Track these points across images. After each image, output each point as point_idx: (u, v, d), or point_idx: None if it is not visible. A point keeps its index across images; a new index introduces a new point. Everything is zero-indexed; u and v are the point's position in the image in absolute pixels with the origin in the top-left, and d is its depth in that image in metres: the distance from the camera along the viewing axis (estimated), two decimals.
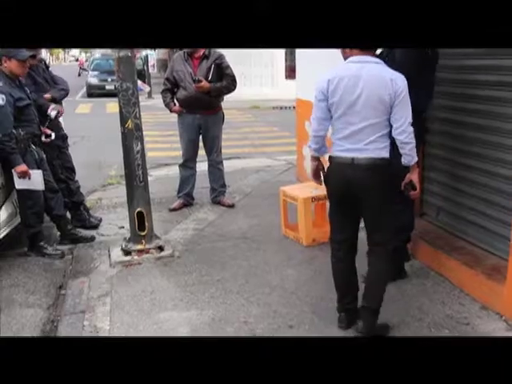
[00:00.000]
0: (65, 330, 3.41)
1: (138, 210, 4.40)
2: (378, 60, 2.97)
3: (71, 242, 4.86)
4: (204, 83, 5.26)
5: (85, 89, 22.75)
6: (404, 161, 3.01)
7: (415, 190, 3.16)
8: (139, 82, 5.12)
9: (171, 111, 5.64)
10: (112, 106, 14.47)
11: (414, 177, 3.10)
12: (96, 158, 8.67)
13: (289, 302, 3.64)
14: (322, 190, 3.98)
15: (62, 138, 5.04)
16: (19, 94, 4.27)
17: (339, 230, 3.16)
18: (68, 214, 5.05)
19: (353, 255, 3.19)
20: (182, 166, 5.77)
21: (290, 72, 19.44)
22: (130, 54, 4.19)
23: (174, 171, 6.59)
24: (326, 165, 3.18)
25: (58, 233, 4.95)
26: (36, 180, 4.32)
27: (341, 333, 3.20)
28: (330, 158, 3.09)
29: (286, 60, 20.35)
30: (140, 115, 4.33)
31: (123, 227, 5.13)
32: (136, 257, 4.40)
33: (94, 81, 22.06)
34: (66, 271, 4.36)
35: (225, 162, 5.97)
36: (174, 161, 7.76)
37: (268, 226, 5.13)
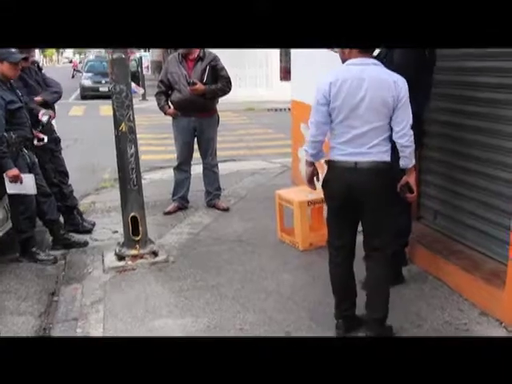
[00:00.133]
0: None
1: (132, 214, 4.34)
2: (377, 62, 2.93)
3: (64, 247, 4.79)
4: (199, 85, 5.20)
5: (78, 91, 22.63)
6: (403, 163, 2.99)
7: (412, 193, 3.14)
8: (133, 85, 5.07)
9: (166, 114, 5.58)
10: (105, 108, 14.38)
11: (411, 179, 3.09)
12: (89, 160, 8.59)
13: (285, 308, 3.58)
14: (318, 194, 3.94)
15: (55, 141, 4.97)
16: (11, 97, 4.20)
17: (338, 236, 3.11)
18: (61, 219, 4.97)
19: (351, 261, 3.14)
20: (176, 168, 5.71)
21: (285, 73, 19.41)
22: (123, 56, 4.13)
23: (169, 174, 6.54)
24: (321, 169, 3.13)
25: (51, 238, 4.88)
26: (28, 184, 4.24)
27: None
28: (330, 162, 3.02)
29: (280, 61, 20.34)
30: (134, 118, 4.27)
31: (117, 232, 5.06)
32: (130, 262, 4.33)
33: (87, 83, 21.94)
34: (59, 277, 4.29)
35: (220, 165, 5.91)
36: (168, 164, 7.69)
37: (264, 229, 5.07)
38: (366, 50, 2.90)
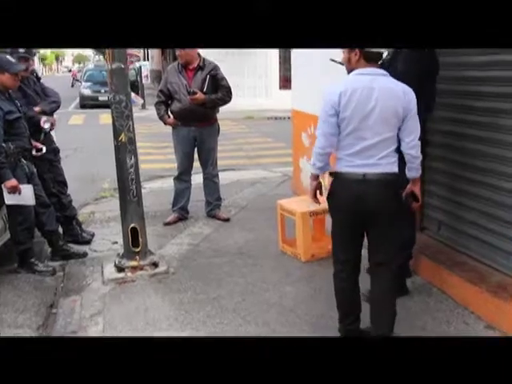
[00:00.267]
0: None
1: (132, 225, 4.28)
2: (386, 73, 2.89)
3: (63, 258, 4.72)
4: (199, 95, 5.16)
5: (78, 100, 22.63)
6: (410, 174, 3.00)
7: (417, 202, 3.14)
8: (132, 95, 5.03)
9: (166, 124, 5.53)
10: (105, 117, 14.36)
11: (416, 188, 3.09)
12: (89, 170, 8.55)
13: (288, 321, 3.52)
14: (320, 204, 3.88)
15: (54, 151, 4.93)
16: (9, 107, 4.15)
17: (343, 250, 3.05)
18: (60, 229, 4.92)
19: (356, 275, 3.09)
20: (176, 179, 5.66)
21: (284, 82, 19.46)
22: (122, 66, 4.09)
23: (169, 183, 6.49)
24: (324, 180, 3.08)
25: (50, 248, 4.82)
26: (26, 195, 4.19)
27: None
28: (336, 174, 2.96)
29: (280, 70, 20.38)
30: (133, 128, 4.22)
31: (116, 242, 5.00)
32: (130, 274, 4.27)
33: (87, 92, 21.97)
34: (58, 289, 4.23)
35: (220, 174, 5.86)
36: (168, 173, 7.66)
37: (265, 240, 5.02)
38: (373, 60, 2.85)
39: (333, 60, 3.66)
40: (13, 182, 4.07)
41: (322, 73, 5.41)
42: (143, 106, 19.15)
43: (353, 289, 3.09)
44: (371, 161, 2.84)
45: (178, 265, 4.53)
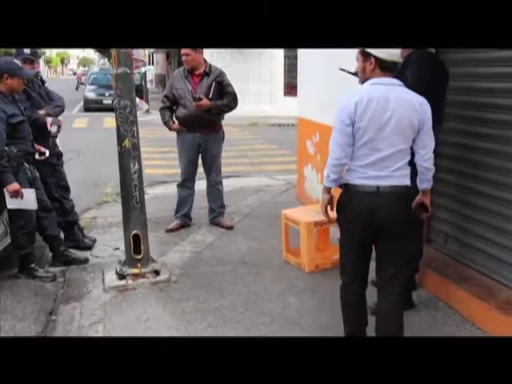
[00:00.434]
0: None
1: (134, 232, 4.22)
2: (401, 83, 2.82)
3: (64, 263, 4.67)
4: (204, 101, 5.11)
5: (82, 103, 22.63)
6: (423, 186, 2.98)
7: (427, 213, 3.11)
8: (137, 100, 4.97)
9: (170, 129, 5.47)
10: (109, 120, 14.35)
11: (426, 199, 3.06)
12: (92, 174, 8.50)
13: (291, 334, 3.45)
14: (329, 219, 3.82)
15: (57, 155, 4.88)
16: (13, 111, 4.11)
17: (353, 263, 2.97)
18: (61, 235, 4.86)
19: (364, 288, 3.02)
20: (180, 185, 5.60)
21: (289, 89, 19.47)
22: (128, 71, 4.04)
23: (172, 189, 6.44)
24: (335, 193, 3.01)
25: (51, 254, 4.76)
26: (28, 199, 4.14)
27: None
28: (348, 185, 2.88)
29: (284, 77, 20.37)
30: (138, 134, 4.16)
31: (118, 248, 4.95)
32: (131, 281, 4.21)
33: (91, 95, 21.93)
34: (58, 295, 4.17)
35: (224, 181, 5.80)
36: (171, 178, 7.62)
37: (268, 249, 4.95)
38: (388, 69, 2.79)
39: (342, 69, 3.61)
40: (15, 186, 4.02)
41: (329, 81, 5.38)
42: (147, 110, 19.13)
43: (360, 302, 3.03)
44: (384, 172, 2.77)
45: (179, 273, 4.47)
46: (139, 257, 4.26)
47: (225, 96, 5.29)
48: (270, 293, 4.07)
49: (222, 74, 5.32)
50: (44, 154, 4.49)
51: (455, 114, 3.92)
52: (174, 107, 5.39)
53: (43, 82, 4.93)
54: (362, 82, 2.93)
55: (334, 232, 4.50)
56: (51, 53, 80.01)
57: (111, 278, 4.28)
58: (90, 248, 5.05)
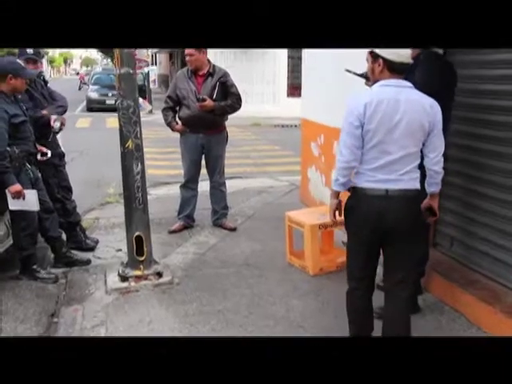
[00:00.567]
0: None
1: (137, 233, 4.18)
2: (411, 84, 2.78)
3: (66, 265, 4.63)
4: (208, 102, 5.07)
5: (85, 103, 22.62)
6: (432, 190, 2.95)
7: (435, 216, 3.08)
8: (140, 100, 4.94)
9: (173, 130, 5.42)
10: (112, 120, 14.34)
11: (434, 203, 3.03)
12: (94, 174, 8.47)
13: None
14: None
15: (59, 156, 4.85)
16: (15, 111, 4.07)
17: (360, 267, 2.93)
18: (63, 236, 4.83)
19: (371, 293, 2.99)
20: (183, 186, 5.56)
21: (292, 90, 19.45)
22: (131, 71, 4.01)
23: (174, 190, 6.41)
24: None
25: (52, 255, 4.73)
26: (30, 200, 4.11)
27: None
28: (356, 189, 2.83)
29: (288, 78, 20.34)
30: (141, 134, 4.13)
31: (121, 250, 4.92)
32: (133, 283, 4.18)
33: (94, 95, 21.93)
34: (59, 297, 4.13)
35: (227, 182, 5.76)
36: (174, 179, 7.59)
37: (272, 251, 4.92)
38: (397, 71, 2.74)
39: (348, 70, 3.57)
40: (17, 186, 3.99)
41: (334, 83, 5.34)
42: (150, 111, 19.12)
43: (366, 307, 2.99)
44: (393, 176, 2.73)
45: (182, 274, 4.44)
46: (142, 258, 4.23)
47: (229, 97, 5.25)
48: (273, 295, 4.03)
49: (226, 75, 5.28)
50: (46, 154, 4.46)
51: (461, 116, 3.87)
52: (177, 108, 5.36)
53: (46, 82, 4.90)
54: (372, 83, 2.88)
55: (339, 235, 4.47)
56: (54, 53, 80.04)
57: (113, 280, 4.25)
58: (92, 249, 5.02)
